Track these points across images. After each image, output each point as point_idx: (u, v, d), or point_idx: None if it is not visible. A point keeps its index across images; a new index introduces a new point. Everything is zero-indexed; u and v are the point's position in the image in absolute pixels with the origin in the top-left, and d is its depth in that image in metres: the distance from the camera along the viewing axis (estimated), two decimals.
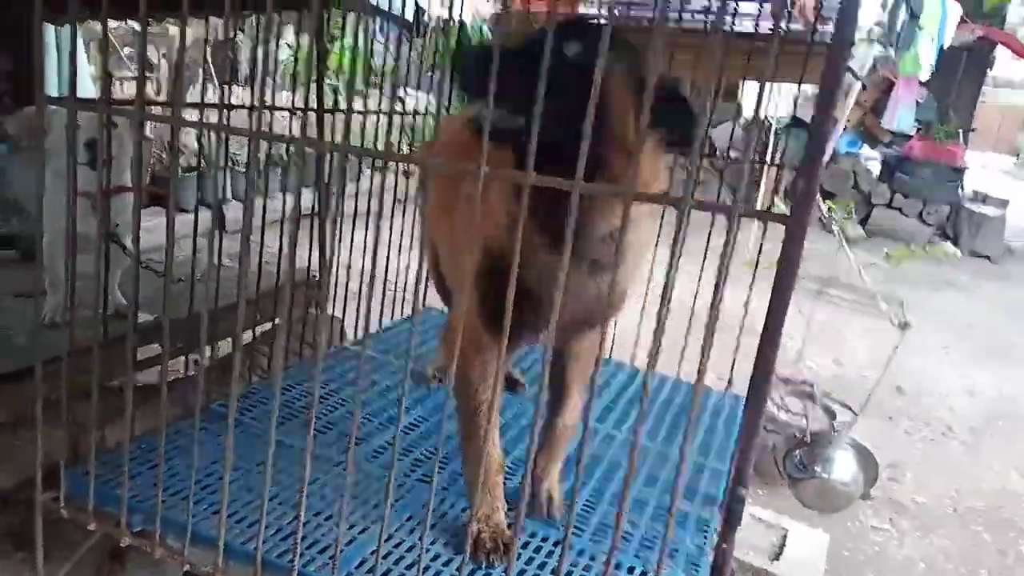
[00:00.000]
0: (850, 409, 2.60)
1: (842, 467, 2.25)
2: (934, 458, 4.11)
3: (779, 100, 7.14)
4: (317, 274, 2.90)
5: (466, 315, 1.59)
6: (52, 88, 4.02)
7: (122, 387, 2.45)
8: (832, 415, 3.56)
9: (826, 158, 5.89)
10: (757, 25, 2.91)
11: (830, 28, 2.77)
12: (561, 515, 1.88)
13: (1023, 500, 3.77)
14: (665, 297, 1.13)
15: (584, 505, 2.00)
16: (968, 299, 7.62)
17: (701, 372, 1.18)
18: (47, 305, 2.22)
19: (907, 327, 2.07)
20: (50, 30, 4.12)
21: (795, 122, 10.25)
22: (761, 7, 2.88)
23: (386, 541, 1.69)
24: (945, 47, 8.35)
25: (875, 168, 10.75)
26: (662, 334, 1.15)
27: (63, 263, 2.30)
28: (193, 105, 1.94)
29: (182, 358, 2.55)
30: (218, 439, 2.04)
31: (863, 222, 10.21)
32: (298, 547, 1.48)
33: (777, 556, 2.67)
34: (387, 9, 4.48)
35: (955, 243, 9.74)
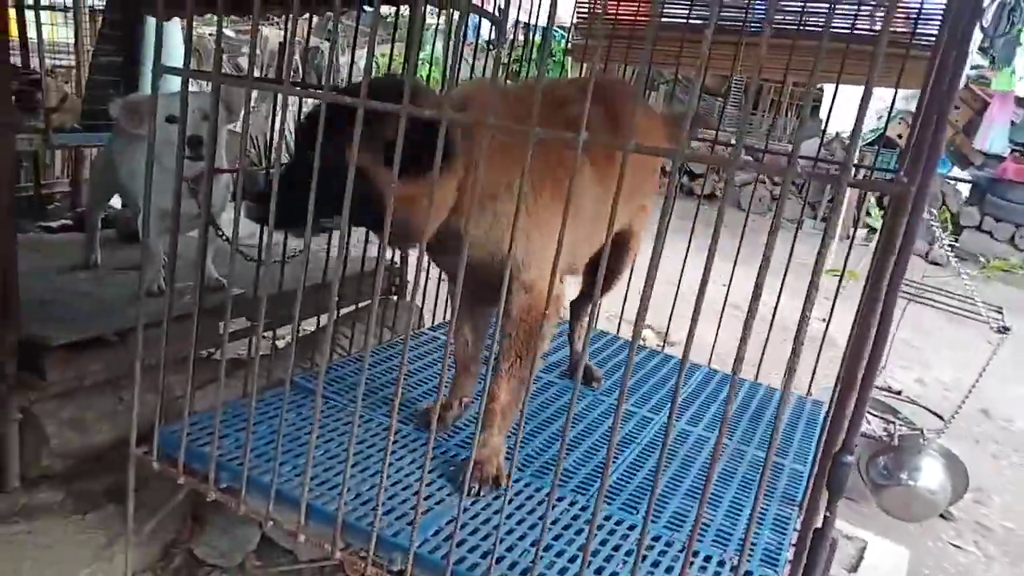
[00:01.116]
0: (939, 417, 2.49)
1: (929, 475, 2.16)
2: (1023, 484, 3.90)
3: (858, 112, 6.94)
4: (398, 262, 2.97)
5: None
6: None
7: (210, 356, 2.55)
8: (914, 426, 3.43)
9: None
10: (854, 24, 2.84)
11: (931, 29, 2.66)
12: (487, 487, 1.83)
13: None
14: (753, 309, 1.12)
15: (661, 496, 1.98)
16: None
17: (787, 383, 1.16)
18: (145, 277, 2.32)
19: (1007, 332, 1.97)
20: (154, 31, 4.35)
21: (881, 140, 9.98)
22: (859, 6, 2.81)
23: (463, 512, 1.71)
24: None
25: (964, 190, 10.34)
26: (746, 343, 1.14)
27: (159, 239, 2.42)
28: (296, 83, 2.03)
29: (265, 336, 2.63)
30: (299, 409, 2.10)
31: (951, 245, 9.81)
32: (378, 511, 1.51)
33: (855, 568, 2.58)
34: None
35: None
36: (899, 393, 2.48)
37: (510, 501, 1.81)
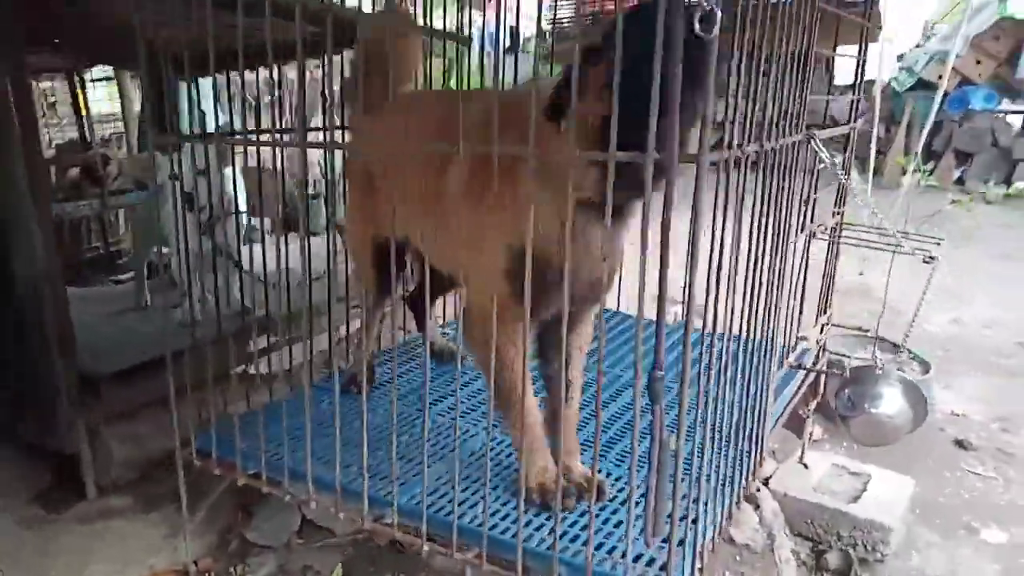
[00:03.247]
0: (895, 345, 2.63)
1: (889, 402, 2.33)
2: None
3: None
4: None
5: (496, 299, 1.65)
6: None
7: (244, 372, 2.92)
8: (925, 364, 3.54)
9: (932, 115, 5.63)
10: None
11: None
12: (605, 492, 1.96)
13: None
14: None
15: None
16: None
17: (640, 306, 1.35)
18: (180, 311, 2.72)
19: (933, 260, 2.13)
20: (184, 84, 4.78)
21: (919, 84, 9.81)
22: None
23: (437, 479, 2.02)
24: None
25: (1016, 122, 10.03)
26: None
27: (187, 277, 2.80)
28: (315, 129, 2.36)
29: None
30: (318, 407, 2.43)
31: (1007, 181, 9.56)
32: (366, 478, 1.82)
33: (856, 499, 2.74)
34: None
35: None
36: (867, 332, 2.63)
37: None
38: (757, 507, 2.79)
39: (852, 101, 2.52)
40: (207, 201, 2.34)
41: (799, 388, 2.60)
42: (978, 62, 9.74)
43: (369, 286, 2.40)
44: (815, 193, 2.18)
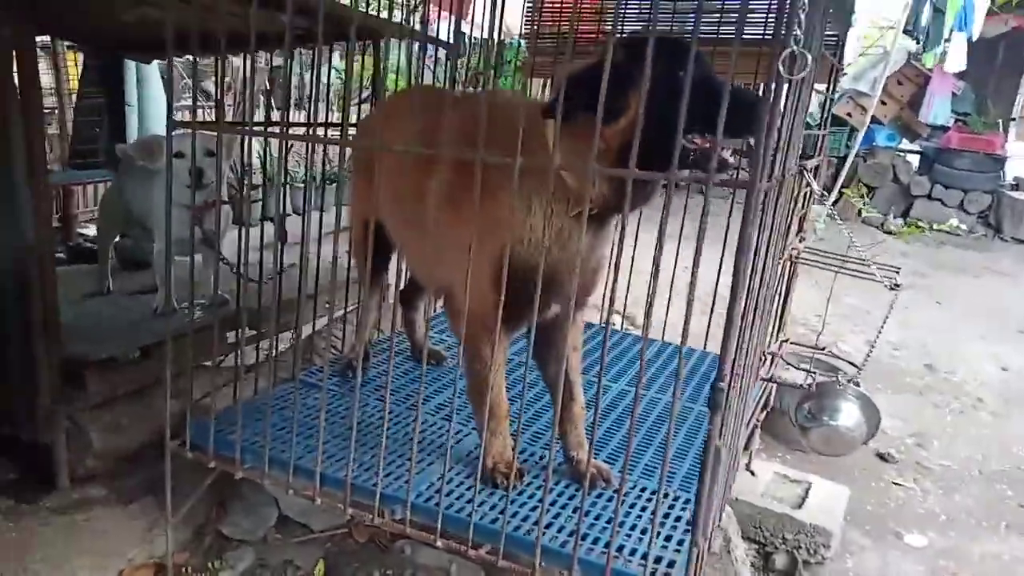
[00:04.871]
0: (854, 365, 2.87)
1: (847, 415, 2.54)
2: (963, 428, 4.30)
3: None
4: None
5: (479, 303, 1.78)
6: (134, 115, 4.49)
7: (219, 365, 2.86)
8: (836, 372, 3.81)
9: (855, 150, 6.06)
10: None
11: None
12: (611, 479, 2.07)
13: None
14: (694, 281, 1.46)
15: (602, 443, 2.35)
16: (1008, 284, 7.70)
17: (684, 335, 1.47)
18: (156, 299, 2.65)
19: (898, 287, 2.35)
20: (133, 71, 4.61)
21: (833, 120, 10.46)
22: None
23: (449, 471, 2.06)
24: (974, 39, 8.49)
25: (914, 161, 10.83)
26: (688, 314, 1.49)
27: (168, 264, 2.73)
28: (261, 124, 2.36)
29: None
30: (304, 401, 2.42)
31: (904, 214, 10.30)
32: (380, 474, 1.86)
33: (800, 505, 2.94)
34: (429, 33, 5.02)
35: (997, 231, 9.76)
36: (822, 349, 2.86)
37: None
38: None
39: (820, 136, 2.72)
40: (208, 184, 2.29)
41: (759, 400, 2.78)
42: (883, 103, 10.43)
43: (362, 267, 2.45)
44: (793, 221, 2.35)
